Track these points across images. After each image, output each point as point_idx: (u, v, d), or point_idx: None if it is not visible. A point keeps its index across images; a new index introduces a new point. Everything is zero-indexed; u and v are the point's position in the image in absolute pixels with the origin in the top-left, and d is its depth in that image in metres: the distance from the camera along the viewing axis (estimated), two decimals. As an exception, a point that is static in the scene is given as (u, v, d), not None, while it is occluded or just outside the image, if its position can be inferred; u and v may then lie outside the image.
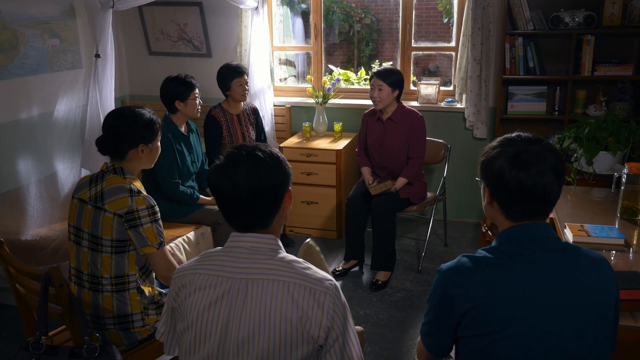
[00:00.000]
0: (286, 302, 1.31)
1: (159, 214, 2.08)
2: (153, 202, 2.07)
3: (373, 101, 3.52)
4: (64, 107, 3.25)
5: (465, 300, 1.36)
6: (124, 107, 2.20)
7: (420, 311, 3.21)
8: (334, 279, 1.39)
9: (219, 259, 1.40)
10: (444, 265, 1.45)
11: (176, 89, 3.21)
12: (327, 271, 1.84)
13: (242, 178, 1.36)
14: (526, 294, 1.33)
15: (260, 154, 1.41)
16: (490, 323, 1.34)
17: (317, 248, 1.87)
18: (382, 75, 3.46)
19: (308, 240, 1.88)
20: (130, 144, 2.11)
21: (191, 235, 3.15)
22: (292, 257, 1.41)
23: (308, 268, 1.38)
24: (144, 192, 2.09)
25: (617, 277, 1.45)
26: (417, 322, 3.09)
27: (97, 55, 2.75)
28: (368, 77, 4.94)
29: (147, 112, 2.17)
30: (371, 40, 8.60)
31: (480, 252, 1.43)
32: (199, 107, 3.32)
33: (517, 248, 1.39)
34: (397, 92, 3.48)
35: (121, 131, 2.10)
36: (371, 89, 3.50)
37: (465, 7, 3.99)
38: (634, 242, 2.34)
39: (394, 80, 3.46)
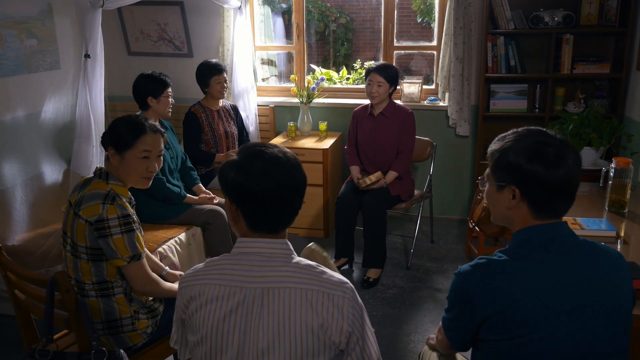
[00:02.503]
0: (305, 310, 1.29)
1: (134, 225, 1.96)
2: (127, 211, 1.96)
3: (370, 96, 3.55)
4: (50, 108, 3.17)
5: (486, 306, 1.35)
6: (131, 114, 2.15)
7: (413, 307, 3.25)
8: (349, 282, 1.37)
9: (229, 267, 1.36)
10: (462, 268, 1.42)
11: (149, 86, 3.21)
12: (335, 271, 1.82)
13: (281, 178, 1.34)
14: (550, 295, 1.32)
15: (289, 154, 1.40)
16: (515, 328, 1.33)
17: (324, 254, 1.80)
18: (381, 70, 3.50)
19: (311, 244, 1.81)
20: (105, 142, 2.06)
21: (182, 236, 3.12)
22: (306, 261, 1.37)
23: (323, 272, 1.35)
24: (121, 201, 1.97)
25: None
26: (411, 318, 3.13)
27: (87, 56, 2.70)
28: (350, 76, 5.00)
29: (137, 122, 2.07)
30: (346, 39, 8.64)
31: (500, 255, 1.40)
32: (171, 107, 3.31)
33: (536, 249, 1.38)
34: (392, 88, 3.53)
35: (108, 128, 2.08)
36: (368, 84, 3.53)
37: (447, 7, 4.05)
38: (622, 234, 2.41)
39: (391, 75, 3.52)
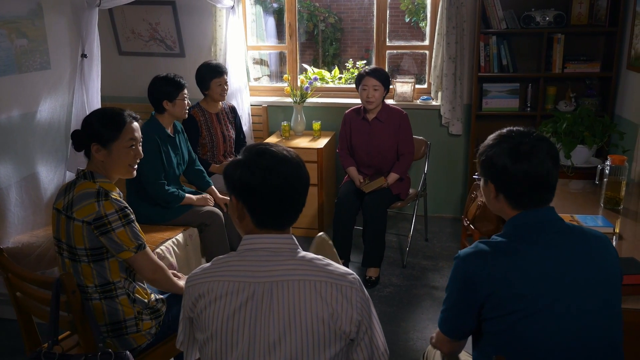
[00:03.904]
0: (315, 301, 1.31)
1: (132, 216, 1.98)
2: (123, 204, 1.98)
3: (368, 102, 3.49)
4: (42, 108, 3.13)
5: (487, 284, 1.43)
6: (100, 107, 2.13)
7: (410, 305, 3.27)
8: (354, 273, 1.40)
9: (236, 264, 1.38)
10: (462, 252, 1.51)
11: (164, 89, 3.14)
12: (339, 262, 1.87)
13: (286, 175, 1.37)
14: (546, 272, 1.41)
15: (292, 153, 1.43)
16: (513, 303, 1.41)
17: (330, 241, 1.88)
18: (377, 74, 3.47)
19: (321, 233, 1.88)
20: (84, 141, 2.02)
21: (180, 237, 3.10)
22: (312, 255, 1.41)
23: (329, 264, 1.38)
24: (114, 195, 1.98)
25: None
26: (409, 316, 3.15)
27: (84, 55, 2.67)
28: (342, 76, 5.00)
29: (119, 113, 2.06)
30: (335, 39, 8.66)
31: (496, 238, 1.50)
32: (187, 108, 3.26)
33: (529, 232, 1.47)
34: (386, 91, 3.52)
35: (82, 127, 2.03)
36: (363, 90, 3.48)
37: (440, 7, 4.08)
38: (617, 230, 2.45)
39: (384, 77, 3.50)
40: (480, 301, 1.45)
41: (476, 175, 1.63)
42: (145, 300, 2.09)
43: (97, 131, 2.01)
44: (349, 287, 1.34)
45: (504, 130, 1.55)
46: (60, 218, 1.97)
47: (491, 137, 1.55)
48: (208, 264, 1.42)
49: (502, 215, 1.57)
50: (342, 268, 1.40)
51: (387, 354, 1.44)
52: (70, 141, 2.81)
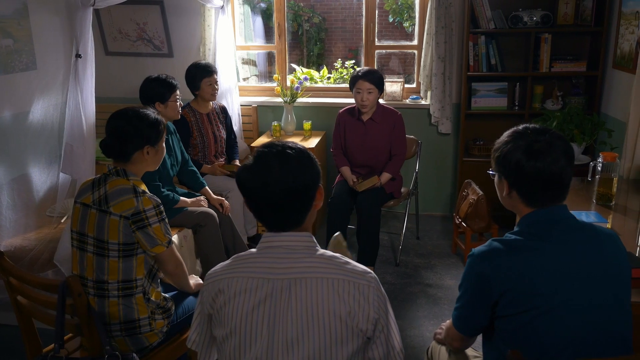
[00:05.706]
0: (333, 298, 1.32)
1: (164, 213, 2.06)
2: (159, 200, 2.05)
3: (362, 105, 3.47)
4: (29, 109, 3.09)
5: (502, 282, 1.44)
6: (128, 108, 2.14)
7: (405, 303, 3.29)
8: (372, 271, 1.41)
9: (255, 261, 1.39)
10: (476, 250, 1.51)
11: (156, 90, 3.11)
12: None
13: (276, 178, 1.35)
14: (561, 270, 1.42)
15: (291, 152, 1.40)
16: (529, 301, 1.42)
17: (344, 243, 1.91)
18: (370, 77, 3.43)
19: (338, 233, 1.90)
20: (135, 145, 2.07)
21: (174, 238, 3.07)
22: (330, 253, 1.41)
23: (347, 263, 1.39)
24: (149, 193, 2.05)
25: None
26: (405, 314, 3.17)
27: (78, 56, 2.63)
28: (331, 75, 5.02)
29: (152, 113, 2.14)
30: (319, 39, 8.67)
31: (509, 236, 1.51)
32: (180, 109, 3.24)
33: (543, 229, 1.48)
34: (380, 93, 3.52)
35: (127, 132, 2.06)
36: (358, 92, 3.45)
37: (429, 7, 4.11)
38: (610, 225, 2.51)
39: (378, 79, 3.47)
40: (494, 299, 1.46)
41: (490, 171, 1.63)
42: (157, 301, 2.12)
43: (148, 135, 2.09)
44: (366, 285, 1.35)
45: (520, 127, 1.55)
46: (88, 212, 2.00)
47: (506, 133, 1.56)
48: (228, 261, 1.43)
49: (515, 211, 1.58)
50: (360, 266, 1.40)
51: (403, 353, 1.44)
52: (65, 143, 2.79)
